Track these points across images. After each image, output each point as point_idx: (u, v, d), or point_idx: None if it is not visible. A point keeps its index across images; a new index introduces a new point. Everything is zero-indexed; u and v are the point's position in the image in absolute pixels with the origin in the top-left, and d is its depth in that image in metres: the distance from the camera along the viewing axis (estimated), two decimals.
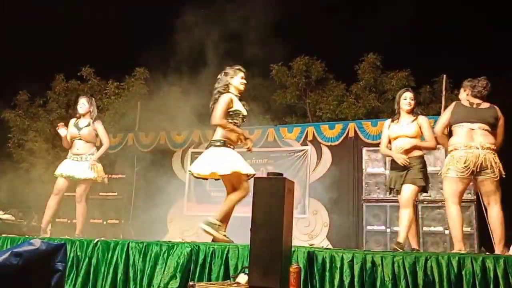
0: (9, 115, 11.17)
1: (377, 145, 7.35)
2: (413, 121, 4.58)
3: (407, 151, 4.49)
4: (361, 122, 7.86)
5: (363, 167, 7.11)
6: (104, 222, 8.20)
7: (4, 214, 4.95)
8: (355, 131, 7.70)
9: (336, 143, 7.80)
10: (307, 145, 8.00)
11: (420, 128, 4.55)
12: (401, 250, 4.05)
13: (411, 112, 4.63)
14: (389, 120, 4.81)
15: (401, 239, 4.31)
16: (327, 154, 7.93)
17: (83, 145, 5.52)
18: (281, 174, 3.13)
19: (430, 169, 4.96)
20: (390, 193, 4.92)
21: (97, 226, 8.13)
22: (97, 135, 5.59)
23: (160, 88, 9.02)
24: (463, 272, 2.94)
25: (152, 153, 8.76)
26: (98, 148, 5.60)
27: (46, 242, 2.43)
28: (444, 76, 8.29)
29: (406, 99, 4.63)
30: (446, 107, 5.08)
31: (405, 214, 4.38)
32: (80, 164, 5.46)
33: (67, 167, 5.48)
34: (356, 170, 7.45)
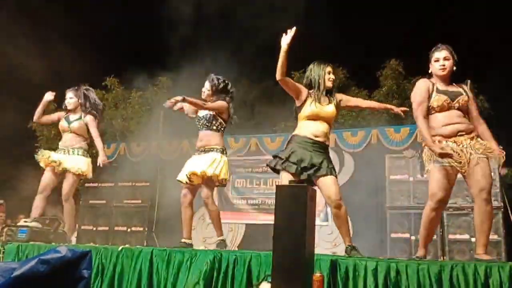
0: (36, 125, 11.41)
1: (401, 151, 7.28)
2: None
3: None
4: (384, 129, 7.77)
5: (386, 174, 7.03)
6: (128, 230, 8.29)
7: (31, 221, 5.02)
8: (378, 138, 7.62)
9: (359, 150, 7.73)
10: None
11: None
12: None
13: None
14: None
15: None
16: (349, 161, 7.87)
17: (73, 139, 5.37)
18: (303, 182, 3.13)
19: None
20: None
21: (121, 234, 8.24)
22: (88, 130, 5.42)
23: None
24: (490, 281, 2.87)
25: (175, 161, 8.82)
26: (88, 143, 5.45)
27: (72, 249, 2.48)
28: (469, 81, 8.14)
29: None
30: None
31: None
32: (68, 157, 5.30)
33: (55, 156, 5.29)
34: (379, 177, 7.36)
